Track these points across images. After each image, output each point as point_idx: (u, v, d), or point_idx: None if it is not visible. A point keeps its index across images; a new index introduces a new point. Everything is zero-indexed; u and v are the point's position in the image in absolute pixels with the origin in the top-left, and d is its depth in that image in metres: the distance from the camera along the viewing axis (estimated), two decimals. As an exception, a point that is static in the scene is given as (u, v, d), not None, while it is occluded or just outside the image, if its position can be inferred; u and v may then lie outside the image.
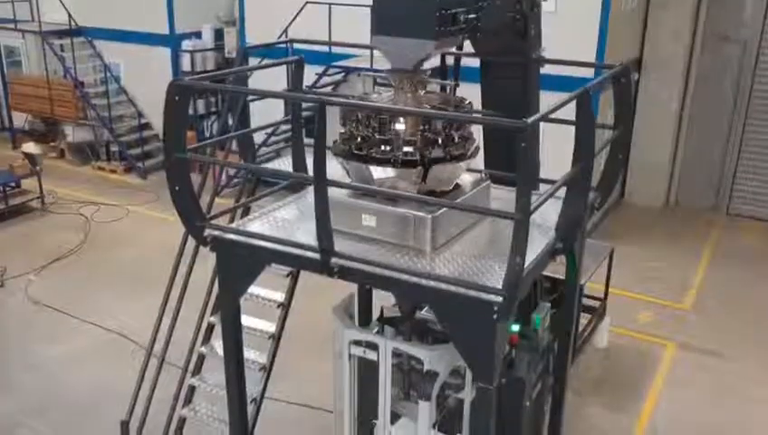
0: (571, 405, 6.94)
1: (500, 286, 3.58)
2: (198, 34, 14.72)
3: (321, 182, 3.81)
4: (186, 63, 14.36)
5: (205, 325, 5.63)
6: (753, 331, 8.73)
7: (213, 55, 14.69)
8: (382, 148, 4.16)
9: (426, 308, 5.31)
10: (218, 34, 14.80)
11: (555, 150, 4.96)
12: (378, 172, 4.17)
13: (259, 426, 5.63)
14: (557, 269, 5.20)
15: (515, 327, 5.02)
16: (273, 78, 6.47)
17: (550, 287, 6.27)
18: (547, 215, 4.43)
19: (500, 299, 3.60)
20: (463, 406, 4.64)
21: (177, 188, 4.23)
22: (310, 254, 4.15)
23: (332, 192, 4.02)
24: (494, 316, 3.59)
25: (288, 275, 5.42)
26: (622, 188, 13.68)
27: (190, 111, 14.11)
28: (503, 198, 4.85)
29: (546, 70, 4.93)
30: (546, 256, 4.23)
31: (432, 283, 3.81)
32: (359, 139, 4.23)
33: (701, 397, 7.47)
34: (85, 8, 14.75)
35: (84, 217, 12.09)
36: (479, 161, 4.81)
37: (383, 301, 5.25)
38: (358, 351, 4.80)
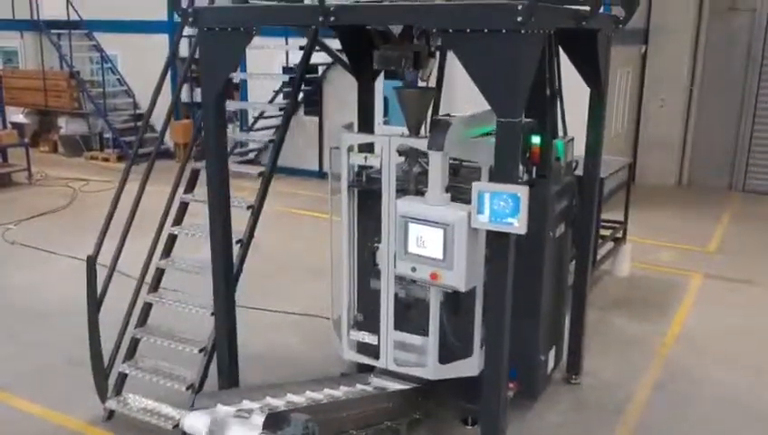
0: (594, 319, 6.30)
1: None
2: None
3: None
4: (183, 49, 14.03)
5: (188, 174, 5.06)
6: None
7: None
8: None
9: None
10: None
11: None
12: None
13: (252, 331, 5.25)
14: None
15: (536, 139, 4.49)
16: None
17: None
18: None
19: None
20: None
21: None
22: (303, -1, 3.68)
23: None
24: (519, 18, 3.07)
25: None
26: (632, 171, 13.16)
27: (187, 99, 13.97)
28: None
29: None
30: (571, 11, 3.76)
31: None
32: None
33: (731, 310, 6.87)
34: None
35: (72, 188, 11.58)
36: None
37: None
38: (358, 159, 4.25)
